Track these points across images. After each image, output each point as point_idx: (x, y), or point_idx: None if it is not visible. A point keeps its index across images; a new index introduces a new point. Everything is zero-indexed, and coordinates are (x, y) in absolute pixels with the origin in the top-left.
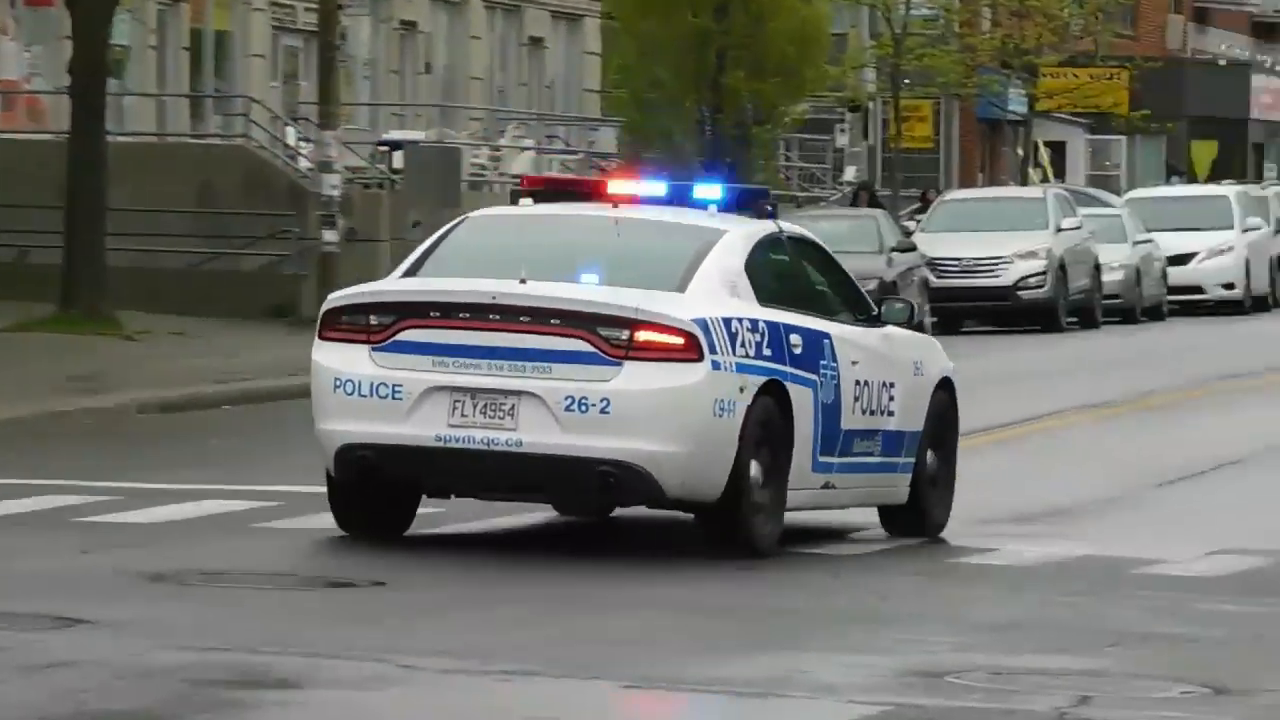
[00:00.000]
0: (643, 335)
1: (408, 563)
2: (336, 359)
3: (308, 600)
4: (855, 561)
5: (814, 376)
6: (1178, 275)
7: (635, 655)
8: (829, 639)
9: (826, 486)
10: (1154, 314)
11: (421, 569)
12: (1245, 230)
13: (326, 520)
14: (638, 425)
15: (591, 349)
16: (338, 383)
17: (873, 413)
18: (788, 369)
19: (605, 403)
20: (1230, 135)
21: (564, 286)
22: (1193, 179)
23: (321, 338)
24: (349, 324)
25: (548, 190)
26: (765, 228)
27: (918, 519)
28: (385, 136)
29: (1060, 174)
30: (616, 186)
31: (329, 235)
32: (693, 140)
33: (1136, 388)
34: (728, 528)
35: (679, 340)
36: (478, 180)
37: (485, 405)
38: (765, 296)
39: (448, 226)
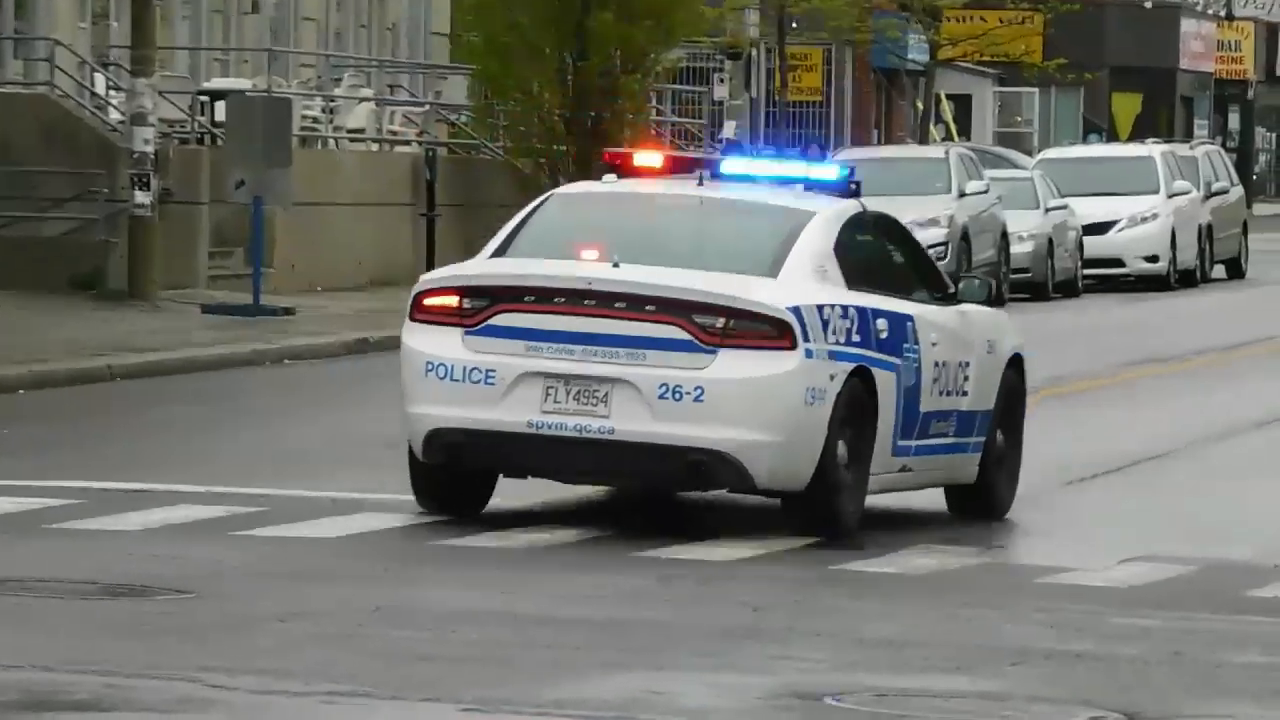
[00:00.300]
0: (737, 324)
1: (222, 568)
2: (428, 342)
3: (109, 611)
4: (728, 568)
5: (897, 360)
6: (1095, 246)
7: (477, 674)
8: (695, 656)
9: (904, 470)
10: (1068, 290)
11: (237, 576)
12: (1171, 195)
13: (131, 520)
14: (731, 414)
15: (687, 336)
16: (430, 366)
17: (948, 393)
18: (874, 354)
19: (699, 391)
20: (1156, 87)
21: (658, 272)
22: (1113, 137)
23: (412, 319)
24: (441, 307)
25: (630, 167)
26: (851, 207)
27: (986, 500)
28: (206, 85)
29: (965, 131)
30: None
31: (141, 197)
32: (554, 91)
33: (1045, 373)
34: (814, 514)
35: (773, 329)
36: (310, 135)
37: (578, 392)
38: (852, 278)
39: (535, 203)
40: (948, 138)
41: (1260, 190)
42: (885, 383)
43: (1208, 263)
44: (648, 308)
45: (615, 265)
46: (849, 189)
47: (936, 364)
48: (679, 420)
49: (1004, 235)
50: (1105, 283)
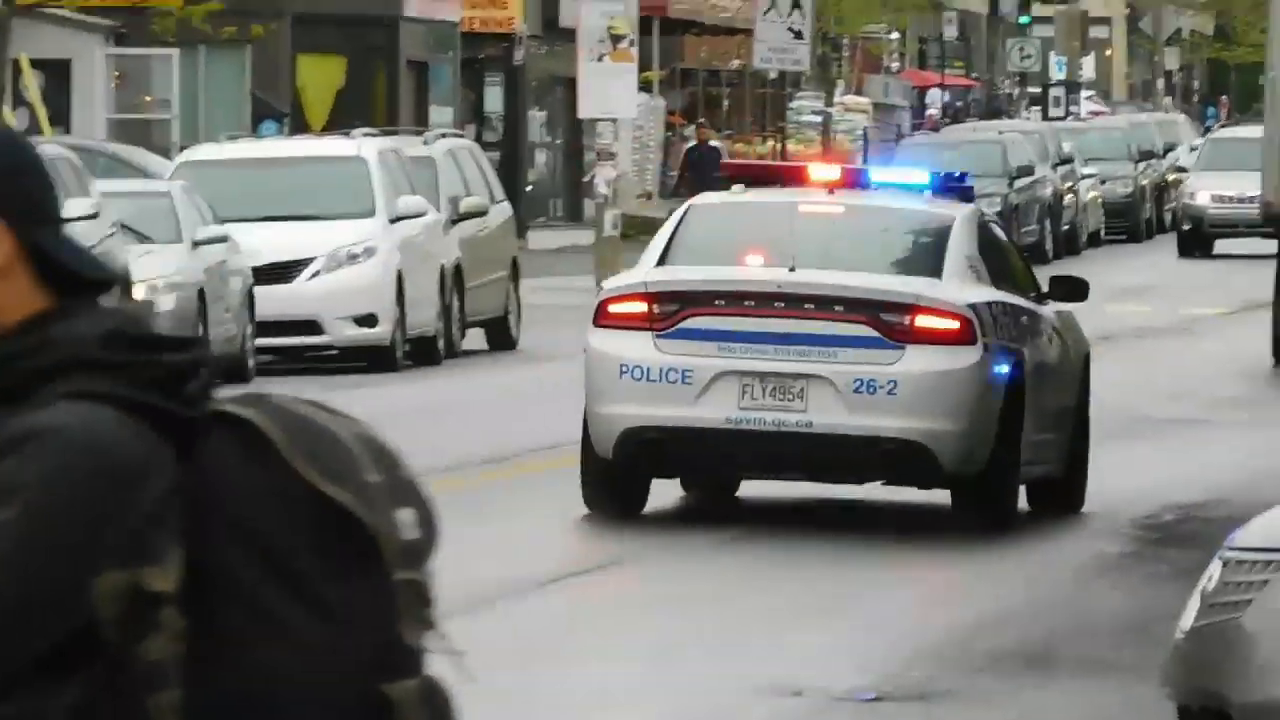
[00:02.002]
0: (923, 321)
1: None
2: (619, 345)
3: None
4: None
5: (1033, 355)
6: (274, 301)
7: None
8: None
9: (1029, 463)
10: (230, 372)
11: None
12: (396, 219)
13: None
14: (921, 405)
15: (875, 334)
16: (624, 368)
17: (1058, 389)
18: (1023, 349)
19: (893, 384)
20: (367, 47)
21: (840, 274)
22: (302, 127)
23: (598, 325)
24: (630, 312)
25: (750, 175)
26: (975, 211)
27: (1069, 495)
28: None
29: (61, 118)
30: (821, 172)
31: None
32: None
33: None
34: (985, 501)
35: (956, 325)
36: None
37: (774, 388)
38: (993, 277)
39: (677, 214)
40: (35, 131)
41: (539, 211)
42: (1030, 377)
43: (456, 327)
44: (836, 307)
45: (792, 270)
46: (968, 193)
47: (1051, 360)
48: (873, 412)
49: (128, 287)
50: (293, 358)
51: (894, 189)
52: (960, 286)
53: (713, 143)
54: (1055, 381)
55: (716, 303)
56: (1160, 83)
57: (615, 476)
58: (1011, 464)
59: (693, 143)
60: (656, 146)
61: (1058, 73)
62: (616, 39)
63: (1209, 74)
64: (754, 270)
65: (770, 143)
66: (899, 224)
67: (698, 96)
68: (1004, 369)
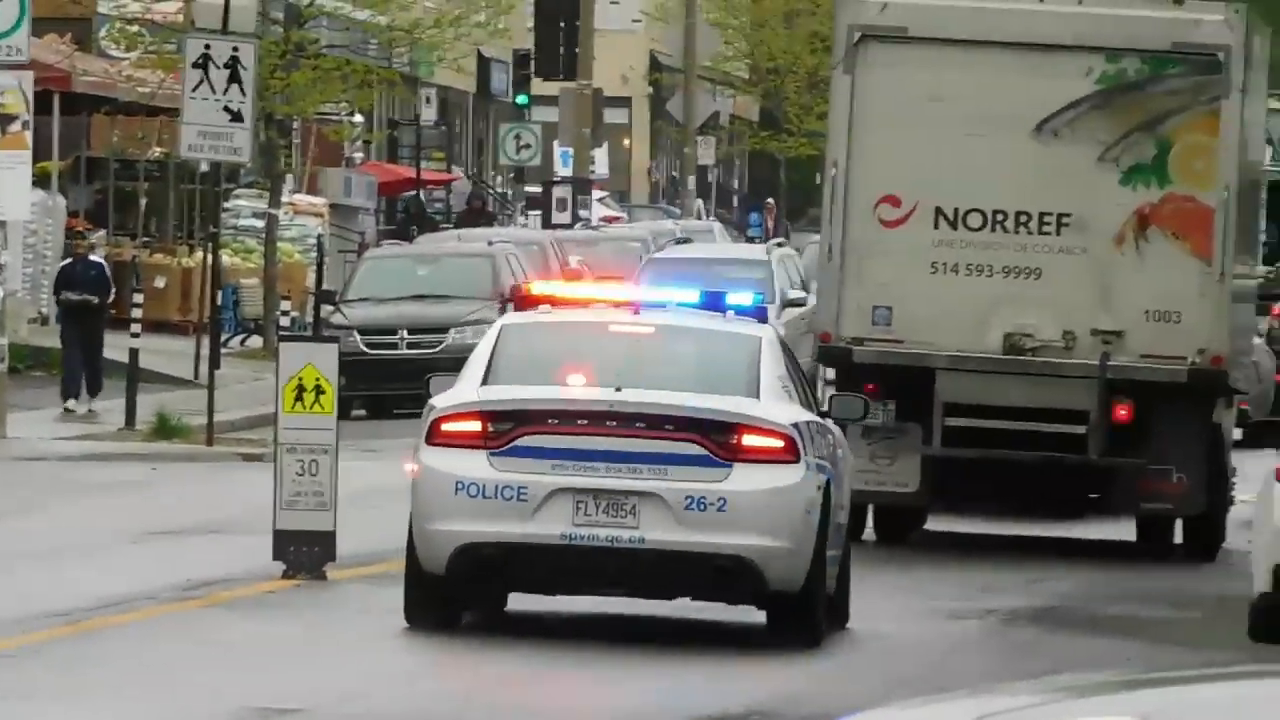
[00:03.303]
0: (750, 439)
1: None
2: (453, 463)
3: None
4: None
5: (835, 473)
6: None
7: None
8: None
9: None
10: None
11: None
12: None
13: None
14: (751, 522)
15: (704, 452)
16: (460, 485)
17: (842, 507)
18: (830, 467)
19: (723, 501)
20: None
21: (668, 394)
22: None
23: (431, 443)
24: (463, 432)
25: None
26: (772, 330)
27: (841, 612)
28: None
29: None
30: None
31: None
32: None
33: None
34: (801, 619)
35: (781, 443)
36: None
37: (608, 505)
38: (797, 398)
39: (490, 336)
40: None
41: None
42: (833, 494)
43: None
44: (667, 426)
45: (618, 390)
46: (763, 314)
47: (842, 478)
48: (705, 529)
49: None
50: None
51: (692, 309)
52: (779, 405)
53: (94, 256)
54: (841, 499)
55: (550, 421)
56: (691, 181)
57: (442, 593)
58: (822, 580)
59: (68, 259)
60: (55, 257)
61: (563, 167)
62: (6, 120)
63: (752, 170)
64: (585, 390)
65: (199, 253)
66: (710, 344)
67: (108, 193)
68: (821, 486)
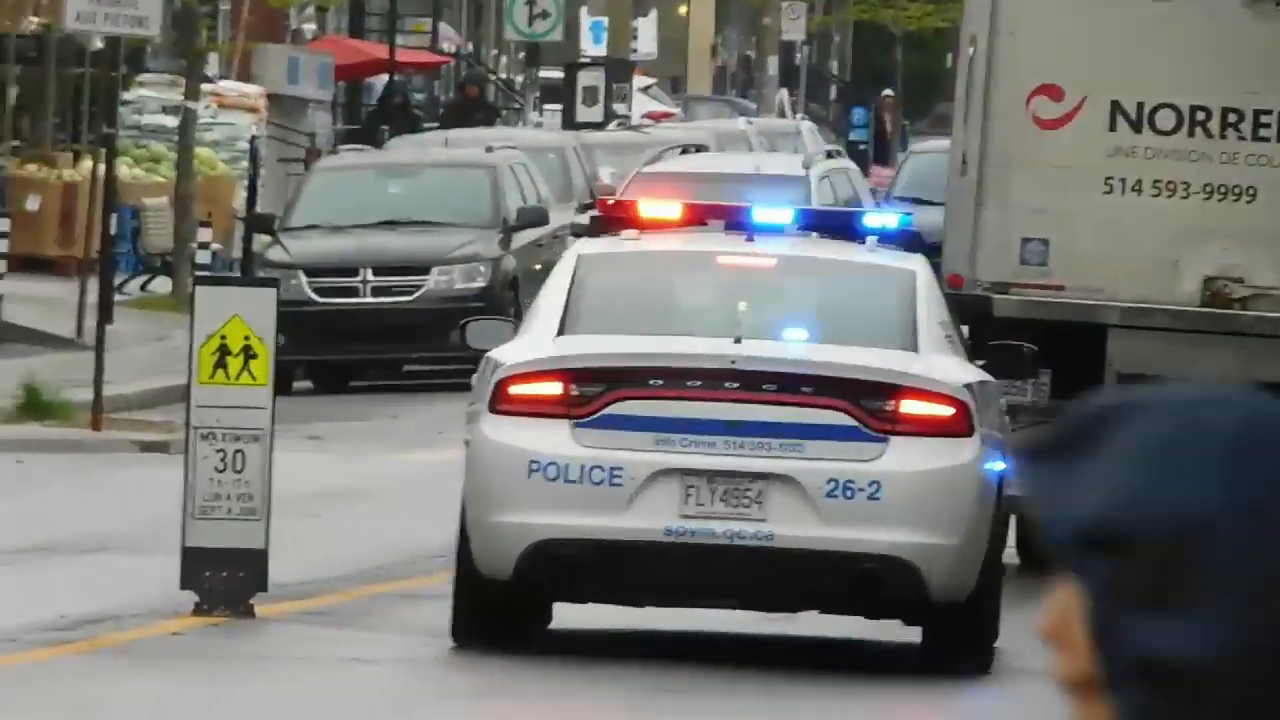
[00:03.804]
0: (911, 406)
1: None
2: (527, 436)
3: None
4: None
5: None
6: None
7: None
8: None
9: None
10: None
11: None
12: None
13: None
14: (911, 514)
15: (851, 422)
16: (536, 465)
17: None
18: (1003, 441)
19: (875, 486)
20: None
21: (804, 347)
22: None
23: (496, 410)
24: (540, 394)
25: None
26: (926, 263)
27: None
28: None
29: None
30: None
31: None
32: None
33: None
34: (970, 638)
35: (951, 410)
36: None
37: (726, 491)
38: (961, 351)
39: (563, 272)
40: None
41: None
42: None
43: None
44: (804, 389)
45: (738, 341)
46: (915, 241)
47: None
48: (853, 522)
49: None
50: None
51: (822, 235)
52: (945, 361)
53: None
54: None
55: (652, 382)
56: (773, 64)
57: (507, 601)
58: (997, 588)
59: None
60: None
61: (594, 45)
62: None
63: (857, 50)
64: (696, 342)
65: (87, 163)
66: (850, 281)
67: None
68: (997, 467)
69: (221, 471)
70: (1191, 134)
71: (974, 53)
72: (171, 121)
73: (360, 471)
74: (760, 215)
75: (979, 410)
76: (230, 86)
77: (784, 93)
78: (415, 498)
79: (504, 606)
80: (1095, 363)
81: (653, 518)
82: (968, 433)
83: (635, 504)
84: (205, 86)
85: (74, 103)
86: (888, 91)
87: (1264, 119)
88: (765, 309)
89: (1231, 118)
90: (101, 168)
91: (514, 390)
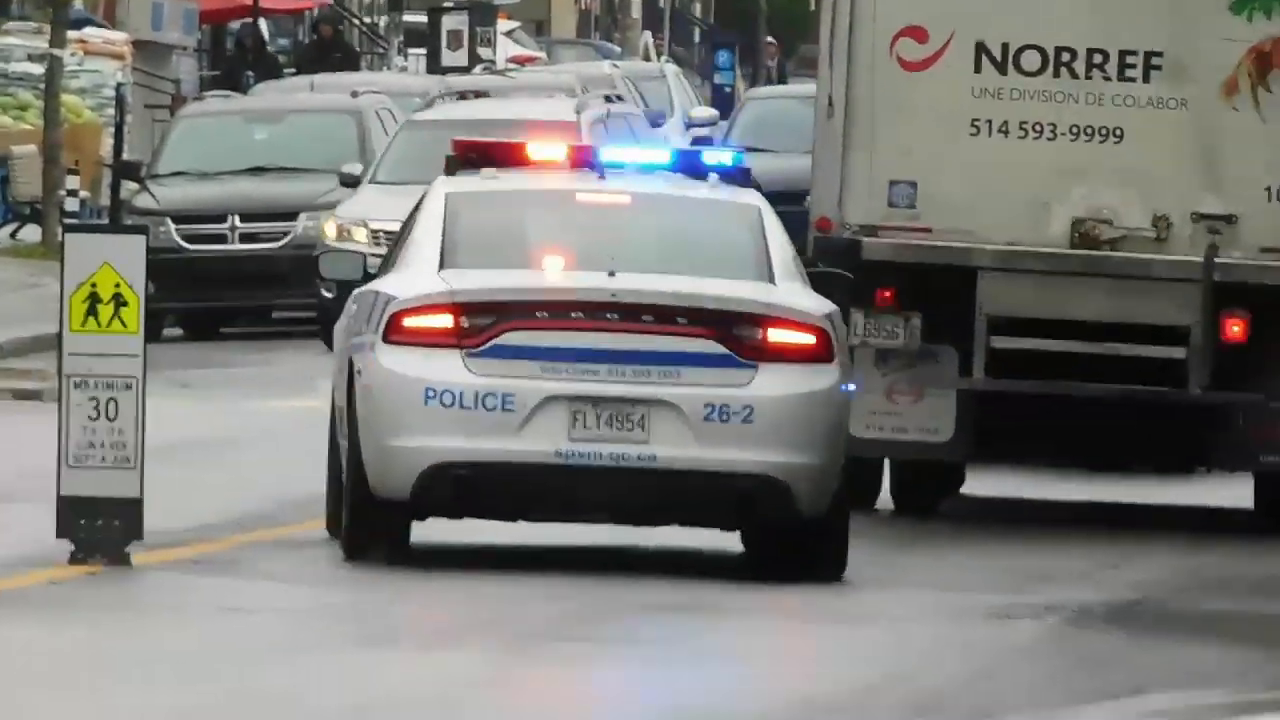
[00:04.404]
0: (778, 335)
1: None
2: (423, 366)
3: None
4: None
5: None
6: None
7: None
8: None
9: None
10: None
11: None
12: None
13: None
14: (780, 436)
15: (724, 350)
16: (431, 394)
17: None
18: (850, 365)
19: (748, 411)
20: None
21: (679, 280)
22: None
23: (389, 340)
24: (432, 327)
25: (482, 156)
26: (763, 199)
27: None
28: None
29: None
30: (546, 151)
31: None
32: None
33: None
34: (827, 548)
35: (813, 339)
36: None
37: (611, 416)
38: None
39: (430, 207)
40: None
41: None
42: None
43: None
44: (679, 320)
45: (612, 275)
46: (749, 178)
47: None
48: (728, 443)
49: None
50: None
51: (658, 172)
52: (802, 292)
53: None
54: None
55: (539, 314)
56: (636, 7)
57: (401, 520)
58: (846, 502)
59: None
60: None
61: None
62: None
63: None
64: (578, 276)
65: None
66: (702, 216)
67: None
68: (851, 390)
69: (95, 420)
70: (1057, 74)
71: None
72: (38, 69)
73: (232, 419)
74: (607, 154)
75: (837, 337)
76: (95, 33)
77: (648, 35)
78: (288, 444)
79: (393, 524)
80: (966, 305)
81: (544, 441)
82: (829, 359)
83: (527, 428)
84: (70, 34)
85: None
86: (770, 39)
87: (1129, 59)
88: (626, 244)
89: (1097, 58)
90: None
91: (408, 322)
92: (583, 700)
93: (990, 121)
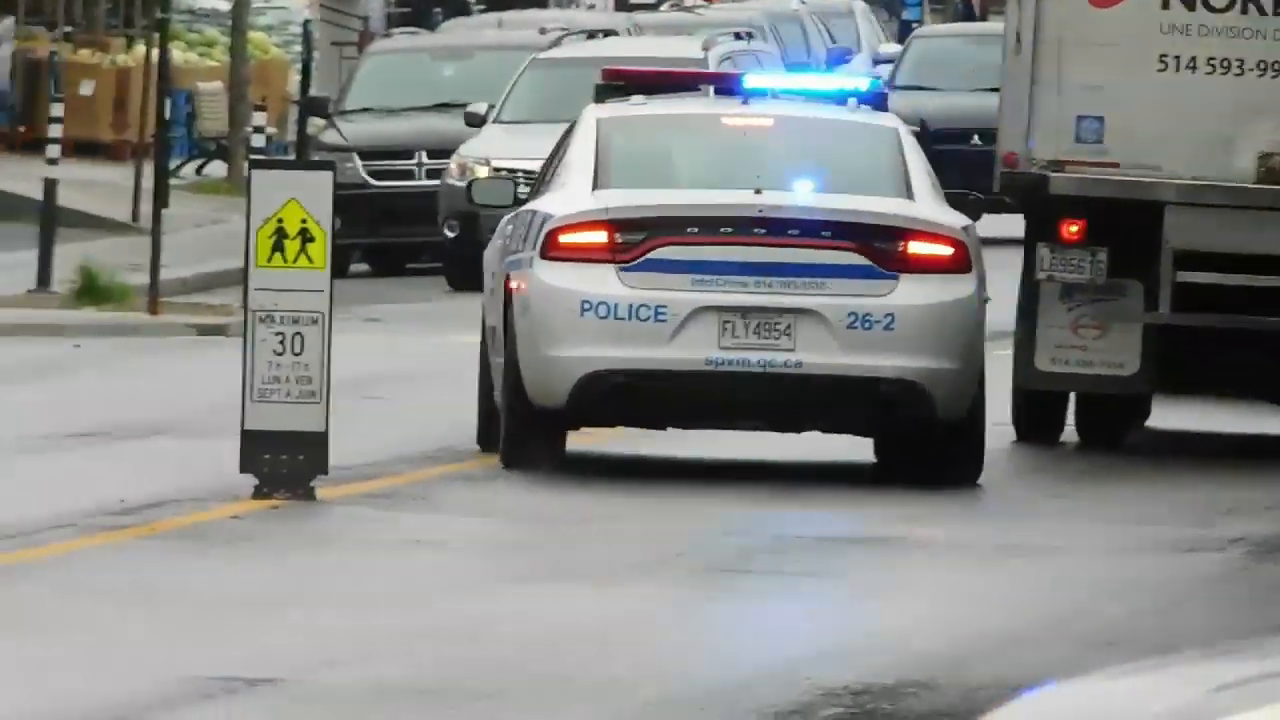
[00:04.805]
0: (918, 247)
1: None
2: (577, 279)
3: None
4: None
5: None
6: None
7: None
8: None
9: None
10: None
11: None
12: None
13: None
14: (920, 342)
15: (866, 262)
16: (587, 306)
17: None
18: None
19: (890, 319)
20: None
21: (822, 196)
22: None
23: (547, 257)
24: (587, 243)
25: (630, 83)
26: (900, 121)
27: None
28: None
29: None
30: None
31: None
32: None
33: None
34: (967, 451)
35: (951, 250)
36: None
37: (759, 325)
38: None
39: (583, 132)
40: None
41: None
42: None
43: None
44: (824, 234)
45: (758, 192)
46: (884, 102)
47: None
48: (870, 350)
49: None
50: None
51: (811, 97)
52: (940, 207)
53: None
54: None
55: (689, 230)
56: None
57: (556, 428)
58: (983, 410)
59: None
60: None
61: None
62: None
63: None
64: (726, 194)
65: (140, 48)
66: (844, 137)
67: None
68: (988, 301)
69: (280, 354)
70: (1245, 11)
71: None
72: (225, 5)
73: (418, 353)
74: (750, 80)
75: (973, 250)
76: None
77: None
78: (473, 379)
79: (550, 431)
80: (1151, 240)
81: (694, 349)
82: (967, 269)
83: (678, 338)
84: None
85: None
86: None
87: None
88: (772, 164)
89: None
90: (155, 52)
91: (564, 239)
92: (772, 633)
93: (1178, 58)
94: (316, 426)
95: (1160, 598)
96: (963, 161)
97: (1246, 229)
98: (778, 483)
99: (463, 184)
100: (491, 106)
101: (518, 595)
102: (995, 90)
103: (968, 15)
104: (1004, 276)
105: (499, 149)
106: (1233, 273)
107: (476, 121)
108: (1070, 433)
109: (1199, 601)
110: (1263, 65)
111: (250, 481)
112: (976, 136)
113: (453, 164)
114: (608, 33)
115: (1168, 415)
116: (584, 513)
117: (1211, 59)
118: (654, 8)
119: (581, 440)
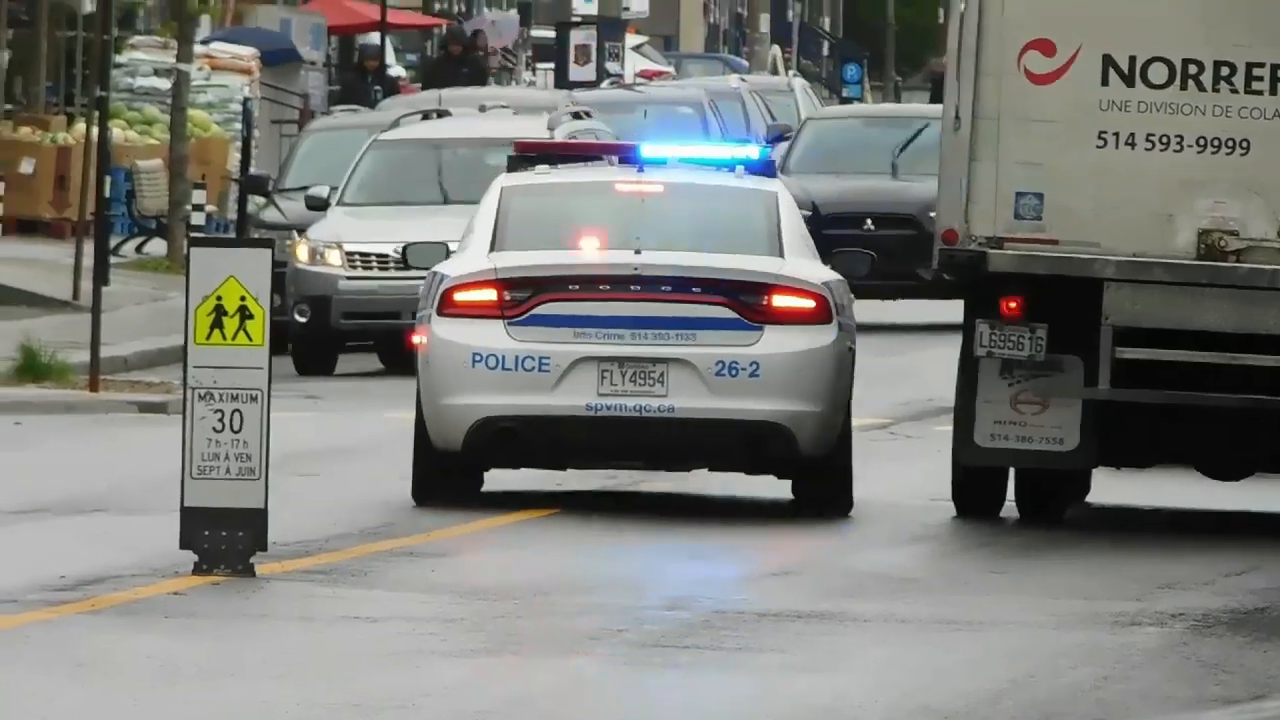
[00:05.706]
0: (781, 300)
1: None
2: (469, 334)
3: None
4: None
5: (853, 333)
6: None
7: None
8: None
9: None
10: None
11: None
12: None
13: None
14: (783, 387)
15: (734, 315)
16: (477, 357)
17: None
18: (853, 326)
19: (755, 366)
20: None
21: (692, 255)
22: None
23: (443, 313)
24: (478, 300)
25: (544, 155)
26: (783, 186)
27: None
28: None
29: None
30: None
31: None
32: None
33: None
34: (832, 487)
35: (813, 304)
36: None
37: (635, 373)
38: (816, 255)
39: (491, 198)
40: None
41: None
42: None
43: None
44: (694, 289)
45: (638, 252)
46: (771, 169)
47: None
48: (736, 395)
49: None
50: None
51: (700, 165)
52: (806, 264)
53: None
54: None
55: (570, 287)
56: (764, 21)
57: (454, 470)
58: (849, 446)
59: None
60: None
61: (586, 3)
62: None
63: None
64: (604, 254)
65: (80, 126)
66: (725, 201)
67: None
68: (851, 348)
69: (219, 431)
70: (1184, 87)
71: (965, 8)
72: (164, 84)
73: (357, 430)
74: (648, 150)
75: (835, 302)
76: (223, 49)
77: (777, 49)
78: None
79: (452, 473)
80: (1091, 316)
81: (576, 396)
82: (828, 320)
83: (560, 386)
84: (197, 48)
85: (66, 66)
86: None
87: (1256, 71)
88: (656, 226)
89: (1224, 70)
90: (95, 130)
91: (458, 297)
92: (709, 709)
93: (1117, 134)
94: (256, 503)
95: (1099, 672)
96: (856, 247)
97: (1186, 305)
98: (717, 542)
99: (313, 269)
100: (334, 189)
101: (455, 669)
102: (887, 174)
103: (935, 97)
104: (943, 354)
105: (351, 233)
106: (1172, 348)
107: (319, 204)
108: (1010, 508)
109: (1138, 676)
110: (1202, 141)
111: (190, 558)
112: (869, 221)
113: (301, 248)
114: (441, 113)
115: (1107, 490)
116: (523, 587)
117: (1151, 135)
118: (594, 85)
119: (525, 510)
